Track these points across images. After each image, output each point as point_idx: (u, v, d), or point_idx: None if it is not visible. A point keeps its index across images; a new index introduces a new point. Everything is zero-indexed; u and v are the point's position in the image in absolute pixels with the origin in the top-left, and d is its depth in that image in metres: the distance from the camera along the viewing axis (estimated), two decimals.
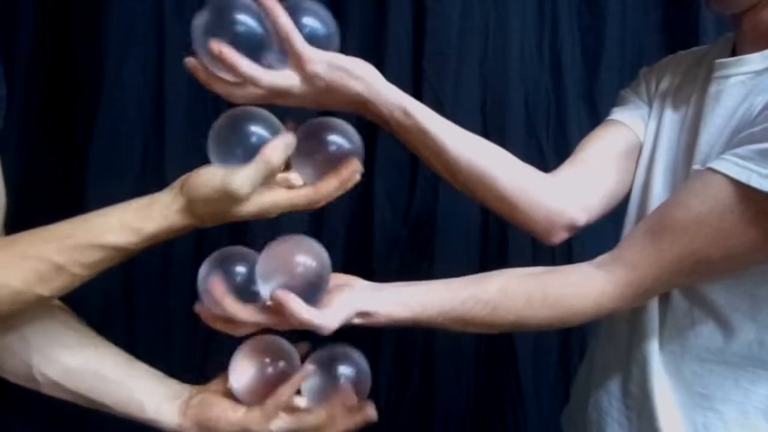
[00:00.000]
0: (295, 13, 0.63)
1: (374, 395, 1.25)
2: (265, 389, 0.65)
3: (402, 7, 1.24)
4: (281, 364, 0.67)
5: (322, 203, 0.62)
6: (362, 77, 0.66)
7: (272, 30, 0.62)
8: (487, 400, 1.31)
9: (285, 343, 0.69)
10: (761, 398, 0.68)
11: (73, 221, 0.61)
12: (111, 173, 1.12)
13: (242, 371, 0.67)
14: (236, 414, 0.65)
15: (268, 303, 0.62)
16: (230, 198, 0.59)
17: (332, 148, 0.63)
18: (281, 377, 0.66)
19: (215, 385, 0.69)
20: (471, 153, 0.73)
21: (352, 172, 0.62)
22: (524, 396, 1.29)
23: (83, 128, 1.13)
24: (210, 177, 0.59)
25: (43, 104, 1.15)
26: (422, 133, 0.70)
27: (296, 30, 0.62)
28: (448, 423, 1.29)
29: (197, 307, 0.64)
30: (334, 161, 0.62)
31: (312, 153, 0.63)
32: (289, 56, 0.63)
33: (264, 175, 0.59)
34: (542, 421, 1.29)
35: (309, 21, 0.64)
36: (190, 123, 1.17)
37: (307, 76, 0.63)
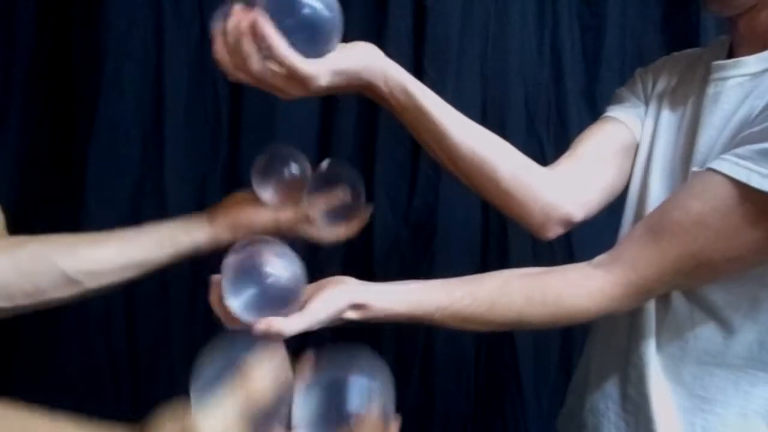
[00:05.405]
0: None
1: None
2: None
3: (402, 7, 1.23)
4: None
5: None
6: (367, 67, 0.66)
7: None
8: (487, 400, 1.31)
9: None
10: (761, 401, 0.68)
11: None
12: (110, 173, 1.12)
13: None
14: (267, 212, 0.73)
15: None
16: None
17: None
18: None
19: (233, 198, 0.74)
20: (473, 140, 0.73)
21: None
22: (524, 396, 1.29)
23: (82, 128, 1.13)
24: None
25: (42, 104, 1.15)
26: (423, 116, 0.69)
27: (293, 53, 0.59)
28: (448, 423, 1.29)
29: None
30: None
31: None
32: (289, 77, 0.61)
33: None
34: (542, 421, 1.29)
35: (310, 0, 0.61)
36: (189, 123, 1.16)
37: (311, 92, 0.63)
